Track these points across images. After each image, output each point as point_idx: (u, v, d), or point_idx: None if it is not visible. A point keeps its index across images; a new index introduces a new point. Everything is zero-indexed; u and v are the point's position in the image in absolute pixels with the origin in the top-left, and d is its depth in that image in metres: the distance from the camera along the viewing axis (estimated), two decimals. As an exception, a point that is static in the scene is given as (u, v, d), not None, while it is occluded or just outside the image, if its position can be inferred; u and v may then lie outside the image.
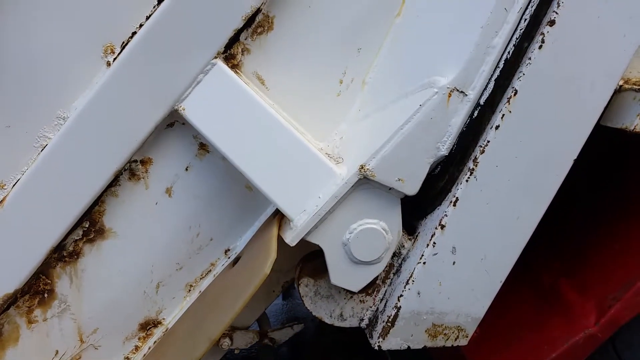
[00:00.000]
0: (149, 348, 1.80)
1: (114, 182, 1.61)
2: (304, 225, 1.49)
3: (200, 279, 1.84)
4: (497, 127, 1.48)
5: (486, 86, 1.47)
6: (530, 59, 1.43)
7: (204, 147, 1.69)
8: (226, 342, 1.85)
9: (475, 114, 1.48)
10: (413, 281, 1.59)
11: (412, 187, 1.51)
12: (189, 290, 1.84)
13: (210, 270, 1.84)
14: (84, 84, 1.48)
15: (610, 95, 1.52)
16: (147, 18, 1.45)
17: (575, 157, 1.55)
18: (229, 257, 1.83)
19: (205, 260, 1.83)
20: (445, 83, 1.45)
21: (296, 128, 1.61)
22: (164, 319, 1.83)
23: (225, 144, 1.56)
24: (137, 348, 1.82)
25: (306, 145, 1.56)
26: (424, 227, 1.62)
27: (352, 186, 1.48)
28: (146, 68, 1.47)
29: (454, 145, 1.50)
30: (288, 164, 1.56)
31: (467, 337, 1.75)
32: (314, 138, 1.69)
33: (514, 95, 1.46)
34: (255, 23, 1.56)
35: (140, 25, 1.45)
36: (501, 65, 1.45)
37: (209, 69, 1.51)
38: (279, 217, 1.63)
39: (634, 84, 1.60)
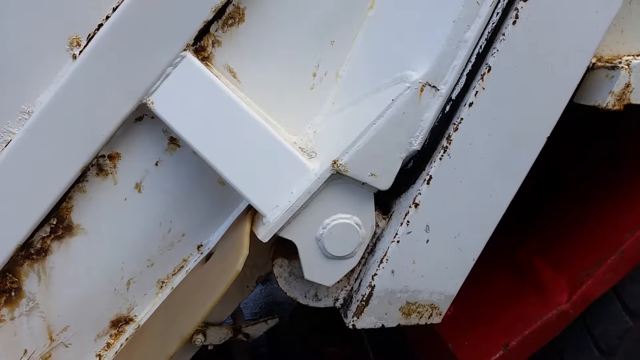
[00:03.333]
0: (121, 345, 1.78)
1: (82, 177, 1.57)
2: (277, 221, 1.48)
3: (172, 275, 1.81)
4: (470, 104, 1.47)
5: (458, 81, 1.46)
6: (504, 34, 1.42)
7: (174, 141, 1.66)
8: (199, 339, 1.83)
9: (447, 108, 1.48)
10: (387, 260, 1.58)
11: (385, 182, 1.51)
12: (161, 286, 1.81)
13: (182, 267, 1.82)
14: (48, 77, 1.44)
15: (583, 71, 1.52)
16: (114, 10, 1.41)
17: (549, 135, 1.56)
18: (201, 253, 1.81)
19: (177, 256, 1.81)
20: (418, 78, 1.44)
21: (269, 122, 1.59)
22: (135, 315, 1.80)
23: (196, 139, 1.53)
24: (108, 345, 1.79)
25: (279, 140, 1.54)
26: (398, 206, 1.61)
27: (325, 181, 1.47)
28: (113, 61, 1.43)
29: (426, 140, 1.49)
30: (260, 159, 1.54)
31: (440, 314, 1.76)
32: (287, 132, 1.67)
33: (488, 71, 1.45)
34: (225, 14, 1.53)
35: (107, 17, 1.41)
36: (473, 59, 1.45)
37: (178, 61, 1.48)
38: (251, 213, 1.62)
39: (607, 62, 1.61)
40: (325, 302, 1.73)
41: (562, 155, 2.24)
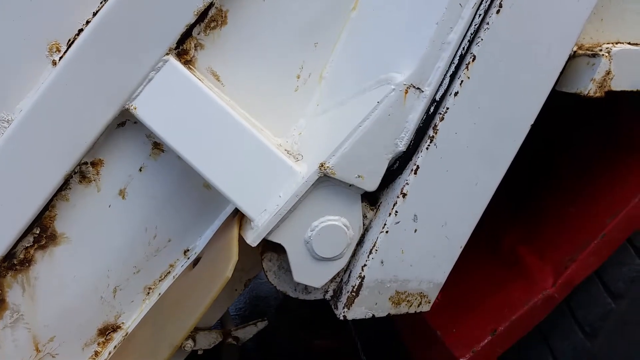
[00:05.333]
0: (109, 353, 1.76)
1: (64, 185, 1.54)
2: (266, 225, 1.48)
3: (159, 281, 1.80)
4: (456, 94, 1.48)
5: (441, 82, 1.48)
6: (488, 24, 1.43)
7: (158, 146, 1.64)
8: (189, 344, 1.82)
9: (432, 110, 1.49)
10: (376, 250, 1.60)
11: (371, 184, 1.52)
12: (148, 293, 1.80)
13: (169, 272, 1.81)
14: (28, 84, 1.41)
15: (565, 59, 1.55)
16: (94, 14, 1.38)
17: (532, 123, 1.58)
18: (188, 258, 1.80)
19: (163, 262, 1.79)
20: (402, 80, 1.45)
21: (253, 125, 1.59)
22: (123, 323, 1.78)
23: (180, 143, 1.52)
24: (96, 354, 1.77)
25: (264, 143, 1.54)
26: (386, 197, 1.62)
27: (313, 184, 1.47)
28: (94, 66, 1.41)
29: (411, 141, 1.51)
30: (246, 163, 1.53)
31: (429, 303, 1.77)
32: (272, 134, 1.66)
33: (473, 61, 1.46)
34: (208, 17, 1.52)
35: (87, 22, 1.39)
36: (456, 61, 1.46)
37: (160, 65, 1.46)
38: (239, 217, 1.61)
39: (587, 50, 1.64)
40: (315, 295, 1.73)
41: (547, 143, 2.27)
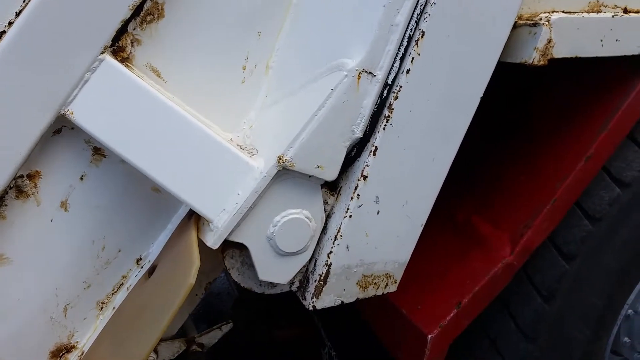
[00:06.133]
0: (65, 376, 1.65)
1: (0, 202, 1.41)
2: (226, 226, 1.42)
3: (113, 294, 1.69)
4: (408, 72, 1.47)
5: (392, 65, 1.46)
6: None
7: (99, 151, 1.54)
8: (152, 357, 1.74)
9: (385, 93, 1.48)
10: (341, 236, 1.57)
11: (331, 173, 1.49)
12: (101, 308, 1.69)
13: (122, 284, 1.70)
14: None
15: (510, 29, 1.57)
16: (17, 14, 1.26)
17: (482, 95, 1.60)
18: (142, 267, 1.71)
19: (115, 274, 1.69)
20: (354, 65, 1.42)
21: (201, 121, 1.51)
22: (77, 342, 1.67)
23: (124, 146, 1.42)
24: (50, 378, 1.65)
25: (215, 139, 1.47)
26: (346, 181, 1.59)
27: (272, 179, 1.42)
28: (23, 72, 1.29)
29: (367, 127, 1.49)
30: (198, 161, 1.46)
31: (395, 283, 1.77)
32: (222, 130, 1.59)
33: (422, 37, 1.45)
34: (143, 11, 1.42)
35: (10, 24, 1.26)
36: (405, 43, 1.45)
37: (96, 66, 1.36)
38: (195, 219, 1.54)
39: (527, 20, 1.67)
40: (281, 287, 1.68)
41: (493, 114, 2.32)
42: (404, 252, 1.73)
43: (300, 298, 1.67)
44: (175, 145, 1.44)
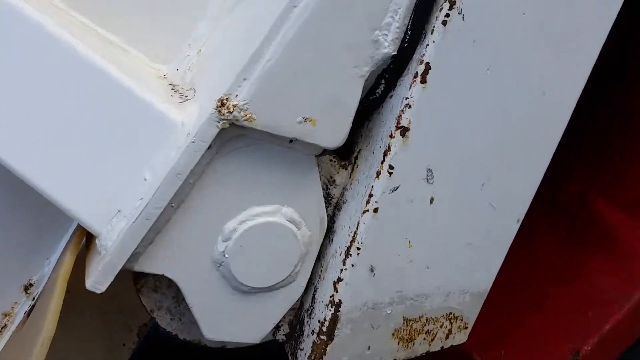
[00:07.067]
0: None
1: None
2: (122, 245, 0.70)
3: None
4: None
5: None
6: None
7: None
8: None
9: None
10: (359, 248, 0.84)
11: (335, 133, 0.75)
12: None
13: (5, 326, 1.04)
14: None
15: None
16: None
17: None
18: (34, 298, 1.03)
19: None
20: None
21: (111, 44, 0.87)
22: None
23: None
24: None
25: (111, 76, 0.75)
26: (368, 141, 0.87)
27: (211, 146, 0.70)
28: None
29: (407, 29, 0.73)
30: (74, 119, 0.76)
31: (467, 328, 1.10)
32: (151, 60, 0.92)
33: None
34: None
35: None
36: None
37: None
38: (80, 232, 0.83)
39: None
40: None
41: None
42: (484, 272, 1.00)
43: (290, 356, 0.95)
44: (33, 90, 0.74)
